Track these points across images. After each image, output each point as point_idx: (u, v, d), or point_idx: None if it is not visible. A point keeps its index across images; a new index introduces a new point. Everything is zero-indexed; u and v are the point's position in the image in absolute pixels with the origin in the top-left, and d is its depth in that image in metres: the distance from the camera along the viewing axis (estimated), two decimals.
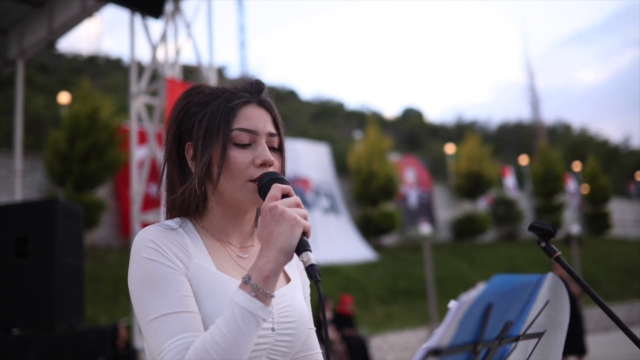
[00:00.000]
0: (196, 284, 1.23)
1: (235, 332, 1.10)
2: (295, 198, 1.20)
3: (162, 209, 1.42)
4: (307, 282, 1.50)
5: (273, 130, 1.34)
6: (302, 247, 1.14)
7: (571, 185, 34.87)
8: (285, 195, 1.20)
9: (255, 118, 1.32)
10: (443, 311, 17.65)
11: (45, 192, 16.78)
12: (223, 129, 1.29)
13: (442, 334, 0.78)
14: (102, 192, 17.89)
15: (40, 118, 24.59)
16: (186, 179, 1.35)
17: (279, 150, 1.36)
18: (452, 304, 1.11)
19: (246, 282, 1.14)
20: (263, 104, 1.35)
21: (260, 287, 1.13)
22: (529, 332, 1.02)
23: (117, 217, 18.38)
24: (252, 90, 1.35)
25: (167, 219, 1.36)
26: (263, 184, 1.25)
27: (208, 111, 1.32)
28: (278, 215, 1.15)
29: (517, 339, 0.99)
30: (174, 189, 1.36)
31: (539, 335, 1.06)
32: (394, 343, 16.47)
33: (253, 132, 1.30)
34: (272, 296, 1.14)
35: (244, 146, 1.30)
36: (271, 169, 1.30)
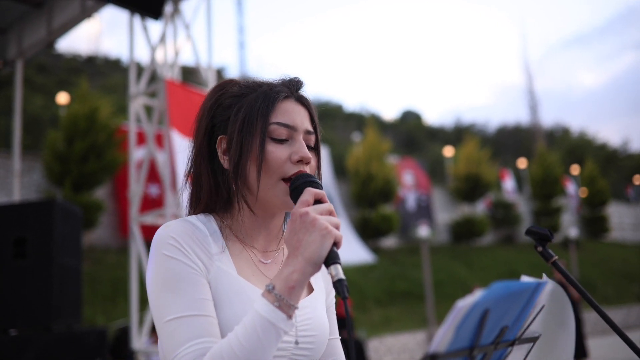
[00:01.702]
0: (215, 287, 1.18)
1: (254, 342, 1.04)
2: (328, 205, 1.13)
3: (184, 204, 1.36)
4: (333, 292, 1.44)
5: (310, 128, 1.28)
6: (331, 259, 1.07)
7: (570, 187, 34.91)
8: (318, 202, 1.14)
9: (294, 113, 1.26)
10: (441, 314, 17.67)
11: (43, 193, 16.77)
12: (261, 121, 1.23)
13: (439, 340, 0.78)
14: (101, 193, 17.88)
15: (39, 118, 24.58)
16: (216, 173, 1.29)
17: (315, 149, 1.31)
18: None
19: (270, 290, 1.07)
20: (301, 100, 1.30)
21: (285, 297, 1.06)
22: (524, 336, 1.03)
23: (116, 218, 18.37)
24: (290, 86, 1.31)
25: (190, 214, 1.30)
26: (296, 186, 1.19)
27: (245, 103, 1.27)
28: (309, 222, 1.08)
29: (512, 343, 0.99)
30: (201, 183, 1.30)
31: (533, 339, 1.07)
32: (392, 345, 16.46)
33: (291, 128, 1.25)
34: (296, 308, 1.08)
35: (281, 141, 1.24)
36: (307, 168, 1.24)
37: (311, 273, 1.08)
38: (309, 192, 1.14)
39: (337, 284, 1.04)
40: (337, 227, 1.10)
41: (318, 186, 1.18)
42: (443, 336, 0.78)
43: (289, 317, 1.07)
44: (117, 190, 18.41)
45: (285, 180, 1.23)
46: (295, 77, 1.34)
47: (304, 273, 1.07)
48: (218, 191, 1.28)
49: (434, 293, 18.13)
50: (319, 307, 1.33)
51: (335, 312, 1.46)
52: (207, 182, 1.28)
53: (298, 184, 1.19)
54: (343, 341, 1.48)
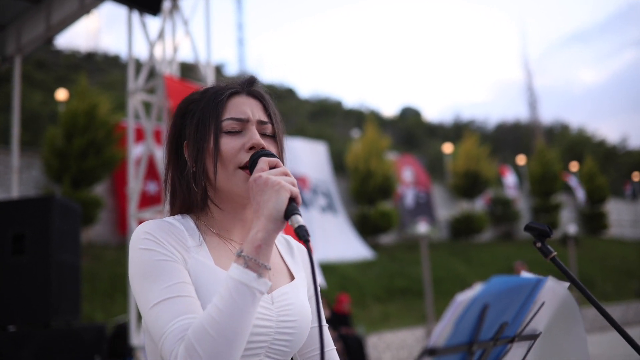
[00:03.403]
0: (194, 278, 1.22)
1: (230, 306, 1.08)
2: (282, 168, 1.20)
3: (166, 211, 1.42)
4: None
5: (264, 118, 1.34)
6: (290, 211, 1.12)
7: (572, 180, 34.93)
8: (274, 168, 1.20)
9: (244, 106, 1.33)
10: (440, 310, 17.68)
11: (42, 189, 16.74)
12: (213, 120, 1.30)
13: (438, 334, 0.78)
14: (100, 189, 17.86)
15: (38, 115, 24.53)
16: (187, 178, 1.35)
17: (274, 138, 1.35)
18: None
19: (239, 255, 1.12)
20: (253, 94, 1.36)
21: (252, 257, 1.11)
22: (524, 333, 1.02)
23: (114, 214, 18.35)
24: (242, 83, 1.37)
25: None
26: (252, 162, 1.25)
27: (199, 107, 1.34)
28: (262, 183, 1.14)
29: (512, 340, 0.99)
30: (174, 189, 1.37)
31: (534, 337, 1.06)
32: (391, 342, 16.47)
33: (242, 120, 1.31)
34: (267, 267, 1.12)
35: (234, 134, 1.30)
36: None
37: (275, 229, 1.13)
38: (263, 161, 1.21)
39: (298, 230, 1.09)
40: (293, 185, 1.15)
41: (272, 156, 1.24)
42: (442, 330, 0.77)
43: (260, 275, 1.11)
44: (116, 187, 18.39)
45: (242, 168, 1.28)
46: (248, 75, 1.41)
47: (267, 230, 1.12)
48: (189, 193, 1.33)
49: (433, 289, 18.13)
50: (300, 294, 1.37)
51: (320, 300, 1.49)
52: (178, 187, 1.35)
53: (253, 159, 1.25)
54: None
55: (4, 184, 15.30)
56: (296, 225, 1.09)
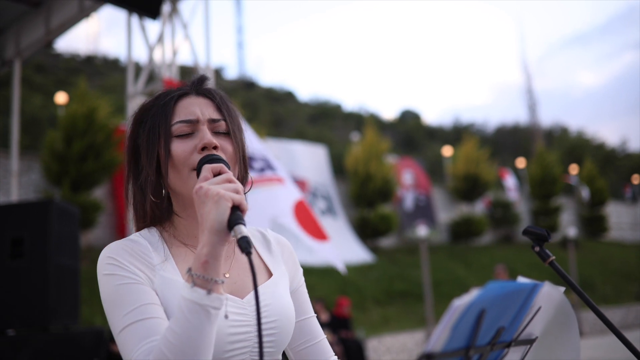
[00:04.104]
0: (162, 296, 1.20)
1: (185, 326, 1.05)
2: (225, 175, 1.14)
3: (131, 227, 1.41)
4: (299, 272, 1.46)
5: (215, 116, 1.30)
6: (232, 221, 1.07)
7: (572, 179, 34.96)
8: (218, 174, 1.15)
9: (193, 107, 1.30)
10: (439, 313, 17.67)
11: (41, 193, 16.75)
12: (162, 126, 1.27)
13: (435, 339, 0.78)
14: (99, 193, 17.86)
15: (37, 118, 24.54)
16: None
17: (228, 134, 1.31)
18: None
19: (188, 273, 1.09)
20: (202, 93, 1.33)
21: (200, 274, 1.07)
22: (520, 338, 1.02)
23: (114, 218, 18.35)
24: (191, 85, 1.35)
25: (136, 232, 1.33)
26: (198, 169, 1.21)
27: (149, 115, 1.31)
28: (203, 195, 1.10)
29: (509, 344, 0.99)
30: (136, 202, 1.33)
31: (530, 341, 1.06)
32: (391, 345, 16.46)
33: (192, 121, 1.28)
34: (217, 281, 1.08)
35: (185, 136, 1.27)
36: (220, 154, 1.25)
37: (220, 242, 1.09)
38: (205, 169, 1.16)
39: (240, 242, 1.04)
40: (236, 192, 1.10)
41: (217, 162, 1.19)
42: (439, 336, 0.77)
43: (209, 291, 1.07)
44: (116, 190, 18.40)
45: (195, 170, 1.25)
46: (197, 76, 1.38)
47: (212, 244, 1.08)
48: (149, 204, 1.30)
49: (433, 293, 18.13)
50: (279, 291, 1.34)
51: (306, 291, 1.47)
52: (139, 198, 1.32)
53: (199, 166, 1.21)
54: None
55: (4, 187, 15.30)
56: (239, 237, 1.05)
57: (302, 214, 6.12)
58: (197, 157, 1.24)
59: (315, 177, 24.15)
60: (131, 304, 1.16)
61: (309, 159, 24.35)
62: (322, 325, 1.50)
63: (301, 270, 1.47)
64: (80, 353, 3.93)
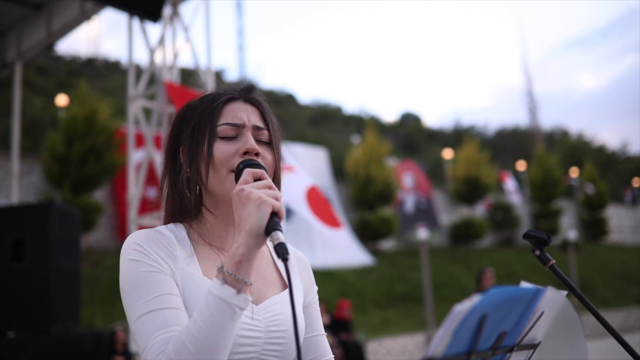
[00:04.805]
0: (182, 289, 1.22)
1: (209, 322, 1.08)
2: (266, 181, 1.17)
3: (161, 217, 1.42)
4: (314, 289, 1.48)
5: (260, 124, 1.34)
6: (271, 227, 1.10)
7: (573, 181, 34.95)
8: (258, 180, 1.18)
9: (240, 112, 1.33)
10: (440, 316, 17.66)
11: (42, 195, 16.75)
12: (209, 125, 1.30)
13: (436, 344, 0.78)
14: (100, 195, 17.86)
15: (38, 120, 24.54)
16: (182, 184, 1.34)
17: (270, 144, 1.34)
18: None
19: (219, 270, 1.12)
20: (249, 100, 1.37)
21: (232, 273, 1.10)
22: (523, 343, 1.02)
23: (114, 220, 18.35)
24: (240, 90, 1.38)
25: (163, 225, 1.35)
26: (237, 171, 1.24)
27: (197, 113, 1.34)
28: (244, 197, 1.12)
29: (511, 349, 0.99)
30: (169, 196, 1.36)
31: (533, 346, 1.06)
32: (391, 348, 16.45)
33: (238, 125, 1.31)
34: (247, 283, 1.11)
35: (229, 139, 1.30)
36: (260, 161, 1.28)
37: (255, 245, 1.12)
38: (247, 172, 1.19)
39: (277, 247, 1.07)
40: (276, 199, 1.13)
41: (257, 167, 1.22)
42: (440, 340, 0.77)
43: (239, 291, 1.10)
44: (116, 193, 18.39)
45: (234, 172, 1.27)
46: (248, 83, 1.41)
47: (247, 246, 1.11)
48: (183, 199, 1.33)
49: (433, 295, 18.12)
50: None
51: (319, 310, 1.50)
52: (173, 192, 1.35)
53: (239, 169, 1.24)
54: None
55: (4, 189, 15.30)
56: (276, 242, 1.08)
57: (315, 199, 6.13)
58: (237, 160, 1.27)
59: (315, 179, 24.12)
60: (153, 292, 1.18)
61: (309, 162, 24.34)
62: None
63: (316, 288, 1.49)
64: (81, 355, 3.93)
